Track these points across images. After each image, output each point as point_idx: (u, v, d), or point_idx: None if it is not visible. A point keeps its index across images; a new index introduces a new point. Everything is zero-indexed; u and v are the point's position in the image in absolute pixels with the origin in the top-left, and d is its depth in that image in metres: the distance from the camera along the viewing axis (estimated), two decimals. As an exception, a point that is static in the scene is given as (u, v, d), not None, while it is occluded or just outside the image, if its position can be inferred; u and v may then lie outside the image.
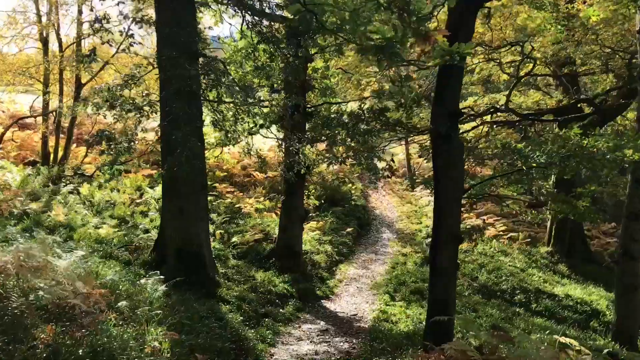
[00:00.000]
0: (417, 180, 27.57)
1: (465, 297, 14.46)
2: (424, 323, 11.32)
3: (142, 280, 8.39)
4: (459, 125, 20.69)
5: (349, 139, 9.72)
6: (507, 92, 19.32)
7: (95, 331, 4.78)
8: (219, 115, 8.93)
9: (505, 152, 7.10)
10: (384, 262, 17.11)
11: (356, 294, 13.84)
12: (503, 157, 7.28)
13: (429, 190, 26.77)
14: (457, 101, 6.90)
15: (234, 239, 15.17)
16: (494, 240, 19.61)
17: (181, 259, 10.75)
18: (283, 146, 11.48)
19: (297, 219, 14.32)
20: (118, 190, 18.74)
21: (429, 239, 19.62)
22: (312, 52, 13.84)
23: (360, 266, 16.54)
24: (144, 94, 9.01)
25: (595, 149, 6.80)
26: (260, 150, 12.18)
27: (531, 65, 16.46)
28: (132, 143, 9.10)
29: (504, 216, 23.49)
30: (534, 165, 7.00)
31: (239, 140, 17.20)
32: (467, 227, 20.98)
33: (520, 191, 11.80)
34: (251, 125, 10.74)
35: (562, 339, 7.56)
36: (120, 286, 7.94)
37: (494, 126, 20.31)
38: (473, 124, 21.08)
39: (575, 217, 10.69)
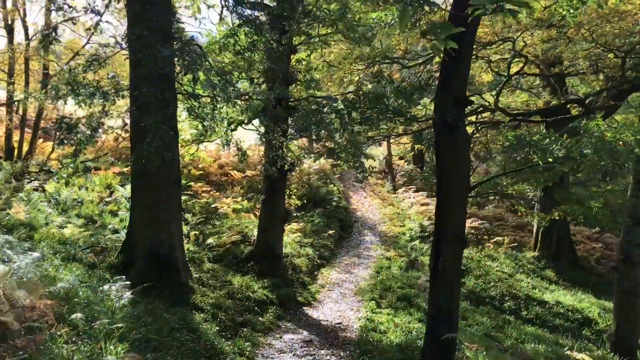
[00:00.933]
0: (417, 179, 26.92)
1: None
2: (414, 333, 10.57)
3: (105, 287, 7.41)
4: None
5: (342, 130, 8.91)
6: (493, 93, 18.81)
7: (33, 354, 3.85)
8: (195, 102, 8.00)
9: (519, 145, 6.36)
10: (368, 266, 16.32)
11: (340, 300, 13.01)
12: (515, 151, 6.54)
13: (411, 193, 26.15)
14: (464, 87, 6.14)
15: (210, 240, 14.20)
16: (485, 244, 18.98)
17: (151, 261, 9.79)
18: (264, 141, 10.56)
19: (278, 219, 13.42)
20: (87, 188, 17.60)
21: (413, 242, 18.99)
22: (297, 43, 13.02)
23: (343, 270, 15.72)
24: (109, 76, 8.03)
25: (620, 142, 6.11)
26: (240, 142, 11.25)
27: (522, 62, 15.85)
28: (96, 132, 8.09)
29: (487, 219, 22.94)
30: (550, 160, 6.26)
31: (218, 134, 16.35)
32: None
33: (526, 190, 11.01)
34: (230, 117, 9.83)
35: (575, 355, 6.88)
36: (80, 293, 6.98)
37: (479, 127, 19.75)
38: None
39: (586, 220, 10.02)
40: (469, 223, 21.15)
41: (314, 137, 11.11)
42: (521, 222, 24.13)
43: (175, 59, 7.25)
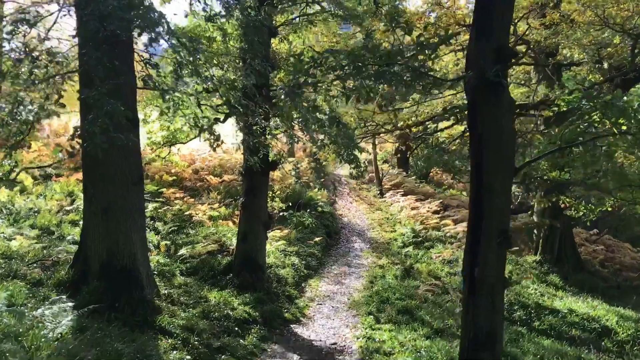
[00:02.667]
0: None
1: (457, 314, 12.25)
2: (423, 353, 9.01)
3: (39, 310, 5.70)
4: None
5: (331, 124, 7.42)
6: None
7: None
8: (151, 70, 6.36)
9: (585, 106, 4.86)
10: (360, 275, 14.73)
11: (332, 315, 11.39)
12: (581, 116, 5.03)
13: (399, 196, 24.69)
14: (507, 34, 4.66)
15: (182, 251, 12.49)
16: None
17: (107, 276, 8.10)
18: (241, 126, 8.95)
19: (260, 225, 11.78)
20: (45, 197, 15.73)
21: (407, 249, 17.49)
22: (278, 25, 11.49)
23: (332, 281, 14.10)
24: (42, 37, 6.34)
25: None
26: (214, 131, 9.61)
27: (524, 49, 14.52)
28: (31, 115, 6.37)
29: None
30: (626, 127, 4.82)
31: (189, 132, 14.64)
32: (447, 235, 18.88)
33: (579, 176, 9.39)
34: (198, 92, 8.20)
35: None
36: (5, 320, 5.27)
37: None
38: (447, 123, 19.19)
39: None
40: (461, 227, 19.77)
41: (298, 129, 9.46)
42: (517, 225, 22.85)
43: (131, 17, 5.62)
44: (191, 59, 6.03)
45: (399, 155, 32.86)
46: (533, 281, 15.68)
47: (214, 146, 8.52)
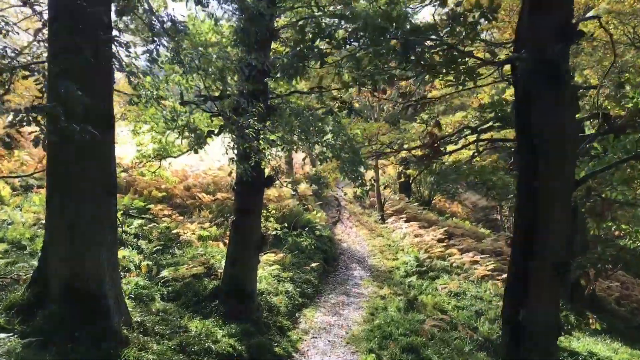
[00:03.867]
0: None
1: (467, 354, 11.03)
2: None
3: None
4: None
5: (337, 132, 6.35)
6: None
7: None
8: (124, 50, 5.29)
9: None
10: (359, 306, 13.50)
11: (329, 351, 10.17)
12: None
13: (402, 222, 23.52)
14: (571, 7, 3.62)
15: (164, 273, 11.29)
16: (488, 281, 16.31)
17: (68, 300, 6.91)
18: (233, 128, 7.84)
19: (251, 247, 10.62)
20: (21, 209, 14.58)
21: (410, 279, 16.25)
22: (278, 27, 10.50)
23: (329, 311, 12.88)
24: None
25: None
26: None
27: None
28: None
29: (485, 253, 20.37)
30: None
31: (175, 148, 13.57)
32: (453, 265, 17.69)
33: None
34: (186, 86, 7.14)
35: None
36: None
37: (479, 147, 17.40)
38: (452, 146, 18.15)
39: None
40: (468, 257, 18.60)
41: (299, 141, 8.37)
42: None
43: None
44: (170, 43, 4.98)
45: (401, 180, 31.83)
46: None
47: (200, 145, 7.40)
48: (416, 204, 30.15)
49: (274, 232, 16.20)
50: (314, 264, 15.33)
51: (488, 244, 22.25)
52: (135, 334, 7.65)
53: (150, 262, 12.10)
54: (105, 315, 7.03)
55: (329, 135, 8.30)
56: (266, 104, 9.74)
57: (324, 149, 8.14)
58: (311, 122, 8.22)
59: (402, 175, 30.21)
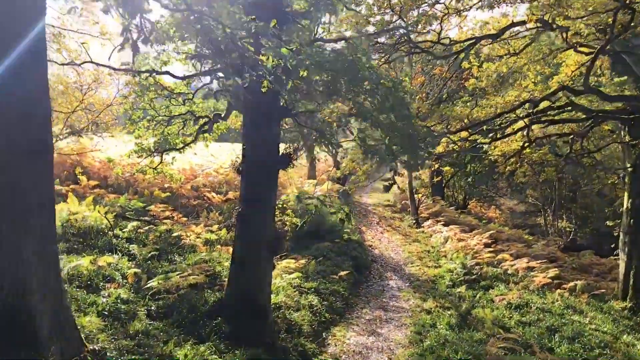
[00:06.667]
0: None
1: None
2: None
3: None
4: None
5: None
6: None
7: None
8: None
9: None
10: (401, 323, 10.87)
11: (368, 386, 7.57)
12: None
13: (440, 226, 20.83)
14: None
15: (153, 283, 8.83)
16: (554, 291, 13.52)
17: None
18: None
19: (263, 246, 8.11)
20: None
21: (458, 289, 13.56)
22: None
23: (365, 330, 10.27)
24: None
25: None
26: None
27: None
28: None
29: (535, 257, 17.52)
30: None
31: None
32: (507, 273, 14.94)
33: None
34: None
35: None
36: None
37: (530, 136, 14.69)
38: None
39: None
40: (522, 263, 15.83)
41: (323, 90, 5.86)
42: (583, 263, 18.85)
43: None
44: None
45: (433, 182, 29.13)
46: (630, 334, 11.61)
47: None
48: (452, 208, 27.39)
49: (295, 230, 13.61)
50: (342, 273, 12.76)
51: (539, 249, 19.37)
52: (87, 369, 5.19)
53: (139, 270, 9.68)
54: (30, 342, 4.57)
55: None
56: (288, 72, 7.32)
57: (363, 99, 5.63)
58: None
59: (435, 175, 27.57)
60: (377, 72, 6.54)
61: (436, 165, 23.14)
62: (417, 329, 10.32)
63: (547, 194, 29.20)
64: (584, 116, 13.66)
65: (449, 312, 11.53)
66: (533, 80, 15.45)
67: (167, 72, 9.98)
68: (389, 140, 5.95)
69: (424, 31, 14.66)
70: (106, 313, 7.54)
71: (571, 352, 9.77)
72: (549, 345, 10.02)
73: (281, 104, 7.71)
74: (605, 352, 9.95)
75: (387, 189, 30.40)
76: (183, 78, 10.33)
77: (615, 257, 18.97)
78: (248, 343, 7.52)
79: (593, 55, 10.96)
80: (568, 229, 27.72)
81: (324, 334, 9.68)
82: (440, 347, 9.06)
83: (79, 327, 5.96)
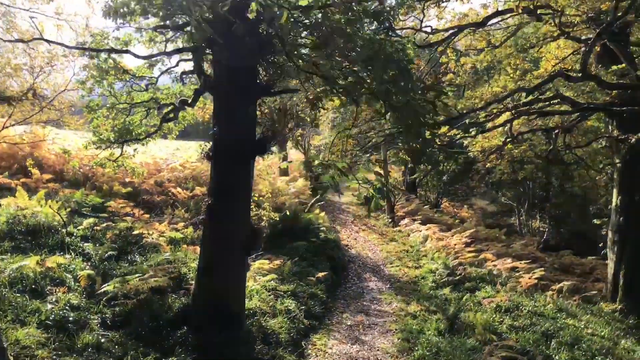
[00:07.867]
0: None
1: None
2: None
3: None
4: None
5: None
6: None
7: None
8: None
9: None
10: (386, 329, 9.93)
11: (359, 405, 6.58)
12: None
13: (418, 225, 20.02)
14: None
15: (109, 286, 7.67)
16: (542, 293, 12.81)
17: None
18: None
19: (236, 245, 7.04)
20: None
21: (442, 291, 12.68)
22: None
23: (347, 337, 9.29)
24: None
25: None
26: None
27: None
28: None
29: (517, 257, 16.87)
30: None
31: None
32: (493, 273, 14.19)
33: None
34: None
35: None
36: None
37: (513, 130, 13.96)
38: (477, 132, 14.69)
39: None
40: (506, 263, 15.11)
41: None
42: (564, 263, 18.39)
43: None
44: None
45: (406, 181, 28.45)
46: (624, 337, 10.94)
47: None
48: (426, 207, 26.71)
49: (270, 225, 12.55)
50: (320, 274, 11.76)
51: (519, 249, 18.77)
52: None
53: (94, 272, 8.49)
54: None
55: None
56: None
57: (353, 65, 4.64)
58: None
59: (409, 171, 26.90)
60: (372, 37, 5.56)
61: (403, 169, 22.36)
62: (404, 335, 9.39)
63: (519, 194, 28.78)
64: (570, 109, 12.99)
65: (436, 317, 10.65)
66: (511, 75, 14.74)
67: (128, 51, 8.93)
68: (390, 116, 4.98)
69: (404, 18, 13.85)
70: (50, 323, 6.37)
71: (572, 358, 9.00)
72: (547, 352, 9.23)
73: (258, 80, 6.69)
74: (607, 359, 9.22)
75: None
76: (146, 58, 9.29)
77: (596, 257, 18.56)
78: (219, 356, 6.46)
79: (592, 39, 10.23)
80: (542, 229, 27.40)
81: (303, 342, 8.65)
82: (432, 357, 8.16)
83: (10, 344, 4.81)
